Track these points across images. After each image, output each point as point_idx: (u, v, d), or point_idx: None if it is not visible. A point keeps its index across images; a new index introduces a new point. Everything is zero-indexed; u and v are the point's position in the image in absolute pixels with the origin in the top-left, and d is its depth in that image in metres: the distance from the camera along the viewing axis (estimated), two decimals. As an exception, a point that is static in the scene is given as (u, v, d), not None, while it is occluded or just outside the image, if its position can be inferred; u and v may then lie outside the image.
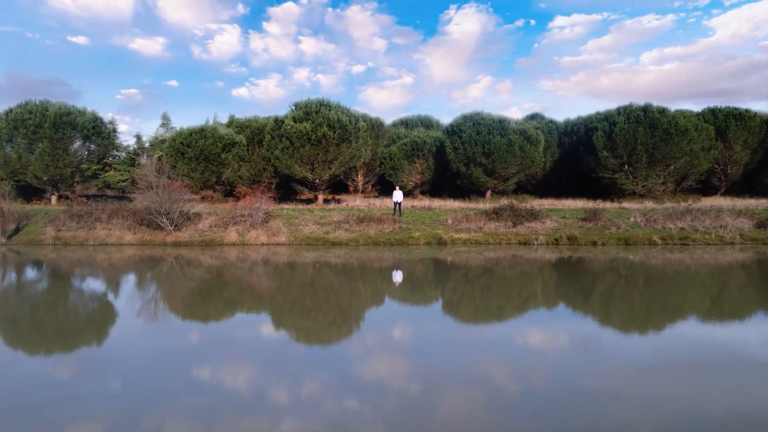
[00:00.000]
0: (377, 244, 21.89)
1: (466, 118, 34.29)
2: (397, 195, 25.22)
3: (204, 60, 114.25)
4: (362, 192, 40.88)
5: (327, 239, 21.95)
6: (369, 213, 24.90)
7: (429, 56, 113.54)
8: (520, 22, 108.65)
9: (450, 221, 23.83)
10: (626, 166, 33.91)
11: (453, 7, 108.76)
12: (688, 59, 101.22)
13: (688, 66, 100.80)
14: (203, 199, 30.56)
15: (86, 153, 27.17)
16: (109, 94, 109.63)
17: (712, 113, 37.07)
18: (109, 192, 37.78)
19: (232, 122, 36.77)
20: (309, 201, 34.07)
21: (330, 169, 30.39)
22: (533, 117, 40.77)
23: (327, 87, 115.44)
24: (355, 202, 31.46)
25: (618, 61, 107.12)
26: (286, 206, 29.20)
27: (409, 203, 30.98)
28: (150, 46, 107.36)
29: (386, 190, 37.55)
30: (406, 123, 43.69)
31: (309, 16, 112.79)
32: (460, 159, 33.88)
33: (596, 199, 33.79)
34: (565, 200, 33.52)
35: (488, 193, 34.92)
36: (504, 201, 31.68)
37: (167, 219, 21.79)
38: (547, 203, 31.00)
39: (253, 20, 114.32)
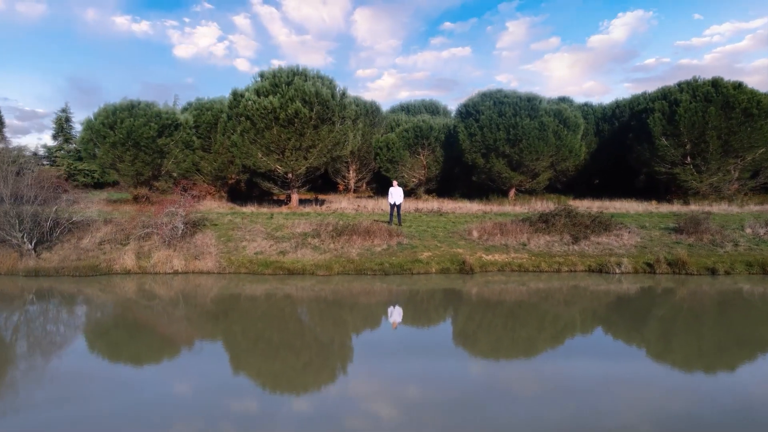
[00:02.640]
0: (361, 272, 12.70)
1: (484, 96, 25.09)
2: (395, 194, 16.03)
3: (348, 69, 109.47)
4: (354, 191, 31.74)
5: (281, 264, 12.80)
6: (353, 220, 15.79)
7: (550, 63, 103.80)
8: (670, 31, 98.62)
9: (475, 233, 14.62)
10: (689, 158, 24.74)
11: (620, 15, 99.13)
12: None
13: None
14: (136, 199, 21.47)
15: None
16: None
17: (785, 93, 27.74)
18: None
19: (190, 105, 27.66)
20: (283, 203, 24.93)
21: (306, 159, 21.24)
22: (561, 101, 31.44)
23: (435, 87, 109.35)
24: (340, 204, 22.29)
25: (732, 64, 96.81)
26: (246, 209, 20.11)
27: (411, 205, 21.86)
28: (312, 55, 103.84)
29: (383, 189, 28.29)
30: (407, 108, 34.42)
31: (476, 28, 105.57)
32: (476, 148, 24.70)
33: (650, 200, 24.65)
34: (610, 201, 24.31)
35: (512, 192, 25.75)
36: (537, 203, 22.52)
37: (22, 233, 12.67)
38: (594, 206, 21.78)
39: (423, 36, 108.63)
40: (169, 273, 12.48)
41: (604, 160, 28.70)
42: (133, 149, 20.28)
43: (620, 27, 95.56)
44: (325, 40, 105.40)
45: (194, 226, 14.12)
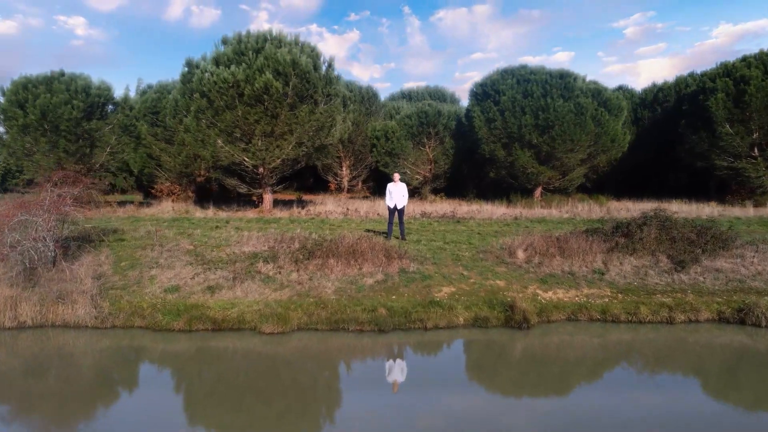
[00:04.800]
0: (338, 324, 7.17)
1: (505, 73, 19.52)
2: (396, 194, 10.11)
3: (450, 72, 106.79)
4: (348, 191, 26.22)
5: (204, 311, 7.30)
6: (335, 231, 10.32)
7: (639, 66, 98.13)
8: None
9: (521, 253, 9.03)
10: (756, 150, 19.24)
11: (741, 24, 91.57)
12: None
13: None
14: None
15: None
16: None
17: None
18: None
19: (150, 88, 22.16)
20: (254, 204, 19.40)
21: (280, 148, 15.72)
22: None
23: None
24: (325, 207, 16.75)
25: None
26: (200, 214, 14.68)
27: (417, 208, 16.34)
28: (428, 61, 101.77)
29: (381, 189, 22.59)
30: (409, 95, 28.93)
31: (595, 35, 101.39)
32: (496, 137, 19.18)
33: (709, 201, 19.09)
34: (659, 202, 18.54)
35: (538, 191, 20.23)
36: (578, 205, 17.02)
37: None
38: (647, 210, 16.14)
39: (545, 45, 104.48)
40: (10, 328, 7.00)
41: (643, 153, 23.12)
42: (51, 134, 14.76)
43: (731, 34, 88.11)
44: (450, 47, 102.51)
45: (83, 242, 8.63)
